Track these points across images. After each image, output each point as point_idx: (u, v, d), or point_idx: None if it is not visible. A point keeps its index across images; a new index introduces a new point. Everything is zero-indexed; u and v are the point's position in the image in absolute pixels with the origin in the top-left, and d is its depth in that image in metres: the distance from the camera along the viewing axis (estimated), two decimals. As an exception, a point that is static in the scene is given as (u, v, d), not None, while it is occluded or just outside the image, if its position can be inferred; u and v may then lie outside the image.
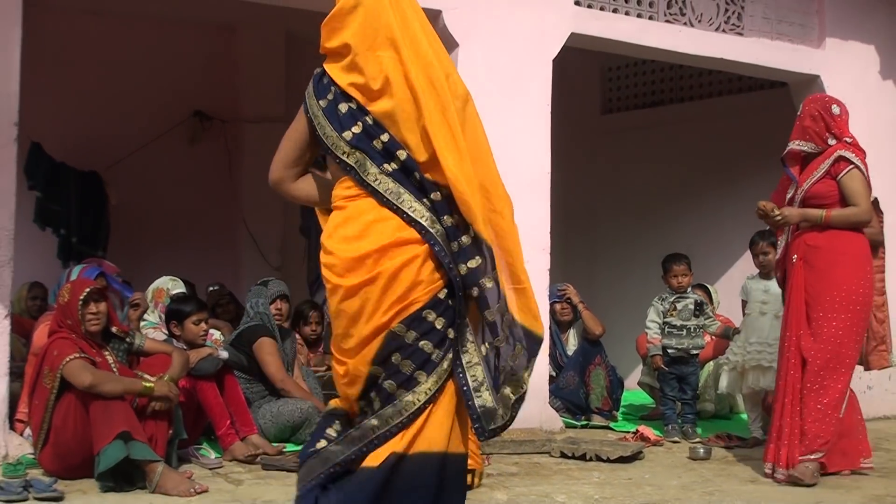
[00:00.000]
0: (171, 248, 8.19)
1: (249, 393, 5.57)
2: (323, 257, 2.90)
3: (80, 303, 4.63)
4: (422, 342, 2.77)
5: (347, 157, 2.86)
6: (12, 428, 4.98)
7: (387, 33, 2.90)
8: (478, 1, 5.90)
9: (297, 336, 6.38)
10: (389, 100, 2.86)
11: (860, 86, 7.24)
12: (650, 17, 6.54)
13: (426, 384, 2.76)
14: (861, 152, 5.05)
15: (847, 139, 5.06)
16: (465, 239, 2.78)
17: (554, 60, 6.10)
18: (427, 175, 2.80)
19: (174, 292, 5.76)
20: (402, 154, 2.81)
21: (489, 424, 2.74)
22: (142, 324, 5.56)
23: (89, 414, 4.42)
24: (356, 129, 2.87)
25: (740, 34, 6.85)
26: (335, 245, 2.86)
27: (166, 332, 5.52)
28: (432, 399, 2.77)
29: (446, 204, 2.78)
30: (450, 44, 5.84)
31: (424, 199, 2.79)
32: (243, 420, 5.20)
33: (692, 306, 6.22)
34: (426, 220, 2.77)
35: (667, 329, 6.22)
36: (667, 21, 6.58)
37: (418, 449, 2.78)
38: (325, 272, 2.91)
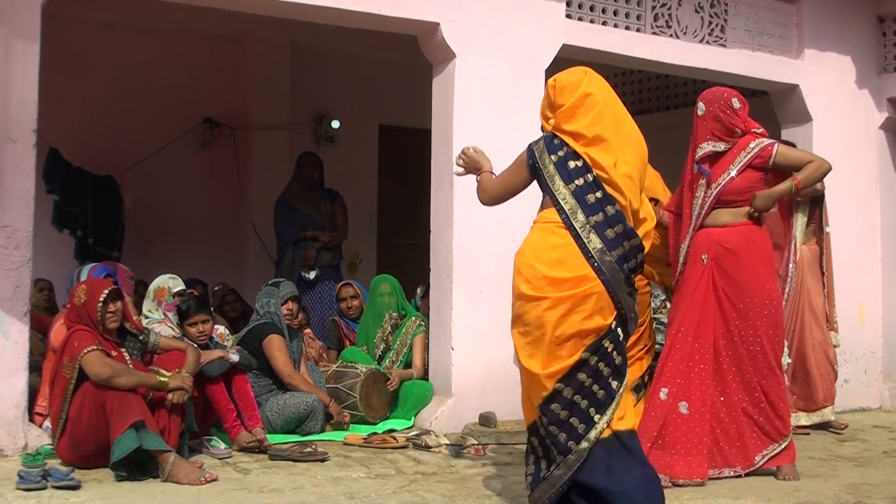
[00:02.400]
0: (182, 249, 8.30)
1: (257, 387, 5.68)
2: (523, 267, 3.66)
3: (101, 303, 4.70)
4: (601, 364, 3.58)
5: (565, 203, 3.64)
6: (31, 420, 5.06)
7: (608, 126, 3.73)
8: (474, 15, 6.03)
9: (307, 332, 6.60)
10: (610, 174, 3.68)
11: (837, 94, 7.43)
12: (638, 30, 6.67)
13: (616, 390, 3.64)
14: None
15: (755, 129, 4.89)
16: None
17: (546, 70, 6.21)
18: (630, 223, 3.68)
19: (175, 290, 5.82)
20: (610, 210, 3.64)
21: None
22: (145, 321, 5.64)
23: (106, 405, 4.49)
24: (579, 182, 3.66)
25: (723, 46, 7.01)
26: (536, 262, 3.64)
27: (171, 325, 5.58)
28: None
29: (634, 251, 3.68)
30: (447, 55, 6.02)
31: (615, 250, 3.63)
32: (250, 415, 5.31)
33: None
34: (605, 265, 3.58)
35: (654, 325, 6.22)
36: (653, 33, 6.72)
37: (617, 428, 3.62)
38: (518, 279, 3.66)
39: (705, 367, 4.76)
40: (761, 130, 4.90)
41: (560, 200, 3.67)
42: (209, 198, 8.74)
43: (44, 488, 4.22)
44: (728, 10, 7.06)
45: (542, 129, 3.95)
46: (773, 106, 7.52)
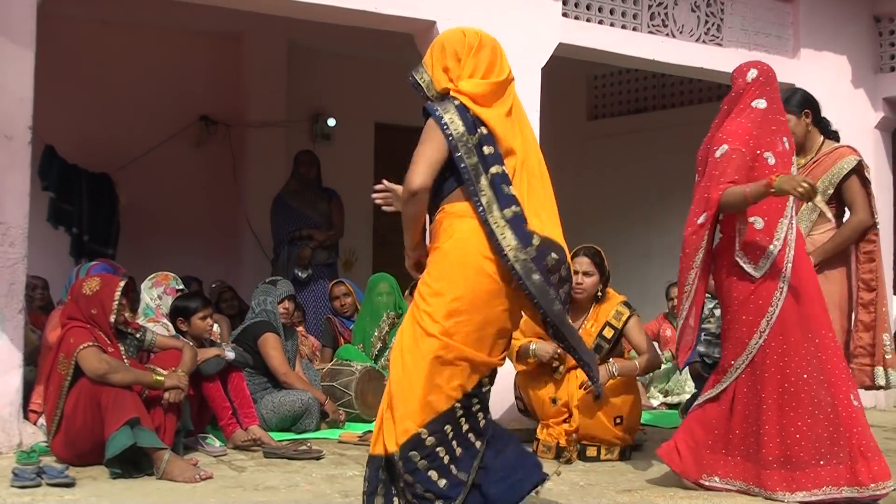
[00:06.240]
0: (178, 247, 8.30)
1: (252, 385, 5.68)
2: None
3: (119, 292, 4.72)
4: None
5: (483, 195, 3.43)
6: (26, 417, 5.06)
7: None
8: (471, 13, 6.00)
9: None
10: None
11: (833, 94, 7.36)
12: (634, 29, 6.67)
13: None
14: None
15: None
16: None
17: (543, 69, 6.23)
18: None
19: (178, 287, 5.83)
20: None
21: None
22: (142, 306, 5.66)
23: (101, 402, 4.47)
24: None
25: (720, 45, 7.01)
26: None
27: (165, 315, 5.58)
28: None
29: None
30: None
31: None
32: (246, 412, 5.31)
33: None
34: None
35: (703, 336, 5.81)
36: (650, 32, 6.72)
37: None
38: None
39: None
40: None
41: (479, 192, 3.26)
42: (205, 195, 8.74)
43: (38, 486, 4.21)
44: (724, 10, 7.06)
45: (430, 87, 3.57)
46: (770, 105, 7.51)
